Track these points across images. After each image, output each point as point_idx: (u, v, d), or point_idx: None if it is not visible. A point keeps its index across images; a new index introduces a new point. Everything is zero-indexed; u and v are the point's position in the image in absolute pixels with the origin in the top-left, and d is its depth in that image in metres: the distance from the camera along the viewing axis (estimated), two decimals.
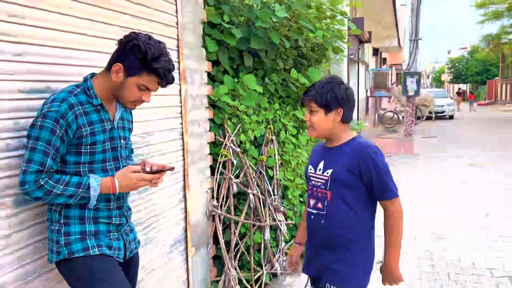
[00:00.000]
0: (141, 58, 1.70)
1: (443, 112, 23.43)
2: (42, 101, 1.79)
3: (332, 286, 1.95)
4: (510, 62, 26.60)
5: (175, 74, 2.89)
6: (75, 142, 1.71)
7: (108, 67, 1.77)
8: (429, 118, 22.13)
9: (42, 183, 1.61)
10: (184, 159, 3.03)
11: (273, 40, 3.61)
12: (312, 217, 2.05)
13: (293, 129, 4.30)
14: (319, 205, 2.01)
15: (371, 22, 14.62)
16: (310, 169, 2.11)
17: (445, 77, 65.73)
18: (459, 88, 50.77)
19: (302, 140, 4.40)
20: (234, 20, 3.54)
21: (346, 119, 1.98)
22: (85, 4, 2.11)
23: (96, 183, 1.71)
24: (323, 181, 2.00)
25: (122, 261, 1.89)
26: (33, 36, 1.82)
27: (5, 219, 1.72)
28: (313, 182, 2.07)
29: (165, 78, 1.77)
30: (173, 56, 2.88)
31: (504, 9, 22.51)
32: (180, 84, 2.95)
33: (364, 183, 1.92)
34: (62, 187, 1.65)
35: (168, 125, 2.86)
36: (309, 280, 2.21)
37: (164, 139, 2.82)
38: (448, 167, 9.30)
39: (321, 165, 2.04)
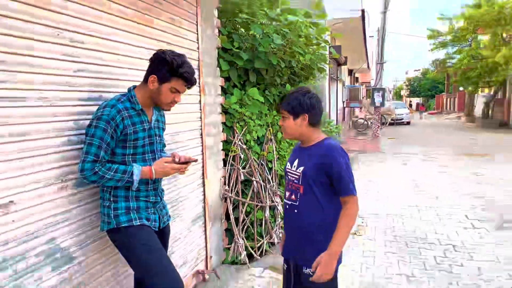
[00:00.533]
0: (169, 68, 1.72)
1: (402, 119, 23.43)
2: (96, 107, 1.80)
3: (307, 269, 1.76)
4: (453, 81, 26.53)
5: (196, 87, 2.92)
6: (122, 138, 1.73)
7: (145, 80, 1.80)
8: (391, 124, 22.14)
9: (96, 170, 1.65)
10: (203, 154, 3.03)
11: (272, 62, 3.61)
12: (287, 206, 1.89)
13: None
14: (293, 197, 1.84)
15: (347, 49, 14.59)
16: (288, 166, 1.93)
17: (404, 92, 65.62)
18: (410, 101, 51.56)
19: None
20: (242, 46, 3.55)
21: (313, 123, 1.81)
22: (133, 34, 2.14)
23: (137, 170, 1.74)
24: (297, 176, 1.82)
25: (157, 230, 1.90)
26: (88, 57, 1.83)
27: (67, 198, 1.74)
28: (289, 177, 1.89)
29: (189, 80, 1.80)
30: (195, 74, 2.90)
31: (449, 40, 22.57)
32: (200, 95, 2.95)
33: (329, 179, 1.74)
34: (112, 173, 1.68)
35: (191, 126, 2.86)
36: (287, 263, 1.96)
37: (188, 137, 2.82)
38: (407, 161, 9.29)
39: (296, 162, 1.86)
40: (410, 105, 40.65)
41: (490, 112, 21.98)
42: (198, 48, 2.91)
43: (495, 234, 4.13)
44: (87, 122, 1.76)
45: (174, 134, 2.60)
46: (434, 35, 22.93)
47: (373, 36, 21.14)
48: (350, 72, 23.71)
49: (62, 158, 1.70)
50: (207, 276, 3.03)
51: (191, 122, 2.86)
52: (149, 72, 1.78)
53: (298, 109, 1.78)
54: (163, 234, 1.99)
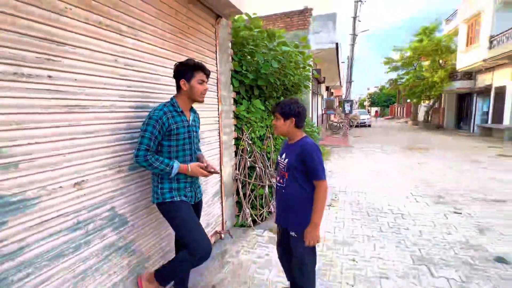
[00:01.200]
0: (188, 67, 1.73)
1: (365, 122, 23.24)
2: (143, 113, 1.80)
3: (292, 232, 1.77)
4: (402, 95, 26.26)
5: (215, 99, 2.92)
6: (167, 134, 1.68)
7: (178, 88, 1.78)
8: (357, 126, 22.00)
9: (148, 158, 1.62)
10: (220, 147, 3.02)
11: (270, 80, 3.59)
12: (277, 188, 1.83)
13: None
14: (281, 181, 1.79)
15: (325, 71, 14.48)
16: (279, 157, 1.86)
17: (366, 103, 65.06)
18: (369, 109, 51.31)
19: None
20: (249, 69, 3.53)
21: (298, 125, 1.76)
22: (169, 60, 2.11)
23: (176, 166, 1.70)
24: (283, 165, 1.78)
25: (193, 203, 1.86)
26: (136, 76, 1.83)
27: (123, 178, 1.74)
28: (279, 166, 1.83)
29: (205, 68, 1.78)
30: (214, 89, 2.89)
31: (400, 65, 22.31)
32: (218, 105, 2.94)
33: (305, 167, 1.69)
34: (158, 163, 1.65)
35: (212, 127, 2.86)
36: (279, 227, 1.94)
37: (210, 135, 2.82)
38: (369, 153, 9.23)
39: (284, 155, 1.81)
40: (369, 112, 40.67)
41: (429, 118, 21.81)
42: (216, 70, 2.90)
43: (433, 207, 4.10)
44: (137, 124, 1.77)
45: (200, 133, 2.59)
46: (389, 62, 22.70)
47: (344, 62, 20.97)
48: (327, 88, 23.51)
49: (119, 150, 1.70)
50: (223, 235, 3.04)
51: (212, 124, 2.86)
52: (178, 80, 1.76)
53: (288, 113, 1.74)
54: (197, 206, 1.95)
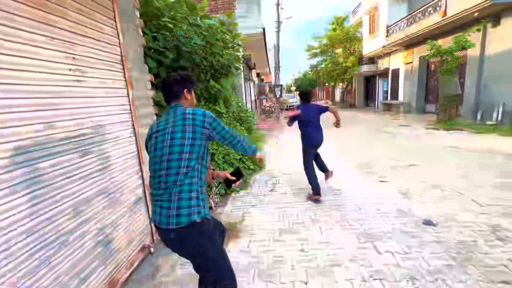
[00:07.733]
0: (188, 81, 1.58)
1: (293, 105, 24.16)
2: None
3: None
4: (322, 80, 28.11)
5: (122, 81, 2.13)
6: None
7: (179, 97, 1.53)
8: (287, 109, 22.65)
9: None
10: (136, 142, 2.28)
11: (196, 60, 2.91)
12: None
13: None
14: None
15: (254, 58, 14.12)
16: None
17: (293, 88, 68.27)
18: (294, 94, 54.18)
19: None
20: (167, 46, 2.77)
21: None
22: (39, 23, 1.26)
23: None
24: None
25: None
26: None
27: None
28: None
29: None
30: (118, 67, 2.09)
31: (319, 52, 23.52)
32: (127, 89, 2.16)
33: None
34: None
35: (120, 118, 2.09)
36: None
37: (118, 128, 2.05)
38: (298, 133, 9.31)
39: None
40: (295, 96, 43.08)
41: (344, 98, 23.94)
42: (119, 43, 2.09)
43: (364, 179, 4.08)
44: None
45: (97, 127, 1.81)
46: (309, 49, 23.75)
47: (271, 50, 21.02)
48: (258, 74, 23.37)
49: None
50: (152, 249, 2.36)
51: (120, 115, 2.08)
52: (182, 90, 1.55)
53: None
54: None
